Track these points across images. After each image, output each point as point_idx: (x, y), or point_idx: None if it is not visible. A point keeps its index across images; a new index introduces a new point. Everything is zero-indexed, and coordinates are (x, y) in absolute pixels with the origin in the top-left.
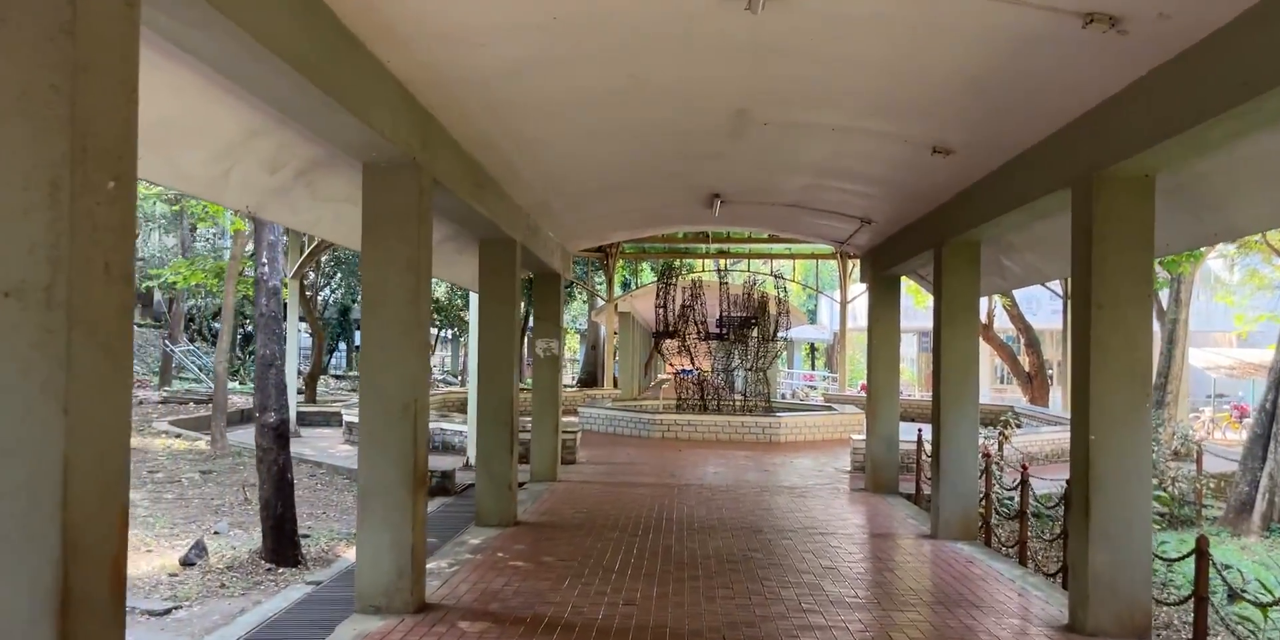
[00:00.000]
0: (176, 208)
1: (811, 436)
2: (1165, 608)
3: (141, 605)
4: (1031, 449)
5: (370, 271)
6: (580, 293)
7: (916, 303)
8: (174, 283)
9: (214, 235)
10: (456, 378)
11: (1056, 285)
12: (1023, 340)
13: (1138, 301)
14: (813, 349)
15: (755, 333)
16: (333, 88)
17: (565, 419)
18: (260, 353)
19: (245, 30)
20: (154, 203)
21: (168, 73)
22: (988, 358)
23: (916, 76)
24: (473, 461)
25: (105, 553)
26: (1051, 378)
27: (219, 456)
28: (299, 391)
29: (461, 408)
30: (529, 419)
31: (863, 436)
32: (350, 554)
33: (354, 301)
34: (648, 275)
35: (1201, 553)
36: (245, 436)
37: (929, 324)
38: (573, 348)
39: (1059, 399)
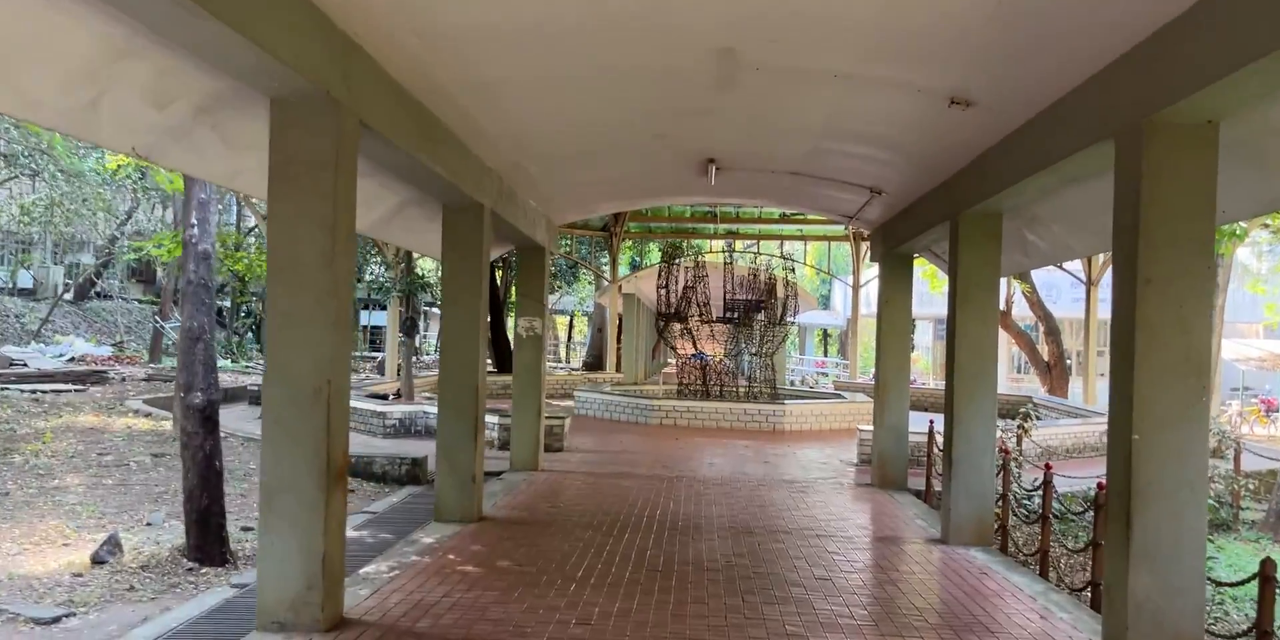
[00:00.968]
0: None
1: (818, 426)
2: None
3: (27, 612)
4: (1051, 442)
5: (276, 229)
6: (586, 274)
7: (932, 287)
8: (159, 256)
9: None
10: None
11: (1079, 270)
12: (1042, 328)
13: (1194, 276)
14: (825, 335)
15: (762, 316)
16: None
17: (563, 403)
18: (185, 325)
19: None
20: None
21: None
22: (1005, 346)
23: (931, 1)
24: None
25: None
26: (1070, 368)
27: (179, 438)
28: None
29: None
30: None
31: (870, 427)
32: None
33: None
34: (656, 256)
35: (1267, 578)
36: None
37: (945, 310)
38: (581, 331)
39: (1079, 390)
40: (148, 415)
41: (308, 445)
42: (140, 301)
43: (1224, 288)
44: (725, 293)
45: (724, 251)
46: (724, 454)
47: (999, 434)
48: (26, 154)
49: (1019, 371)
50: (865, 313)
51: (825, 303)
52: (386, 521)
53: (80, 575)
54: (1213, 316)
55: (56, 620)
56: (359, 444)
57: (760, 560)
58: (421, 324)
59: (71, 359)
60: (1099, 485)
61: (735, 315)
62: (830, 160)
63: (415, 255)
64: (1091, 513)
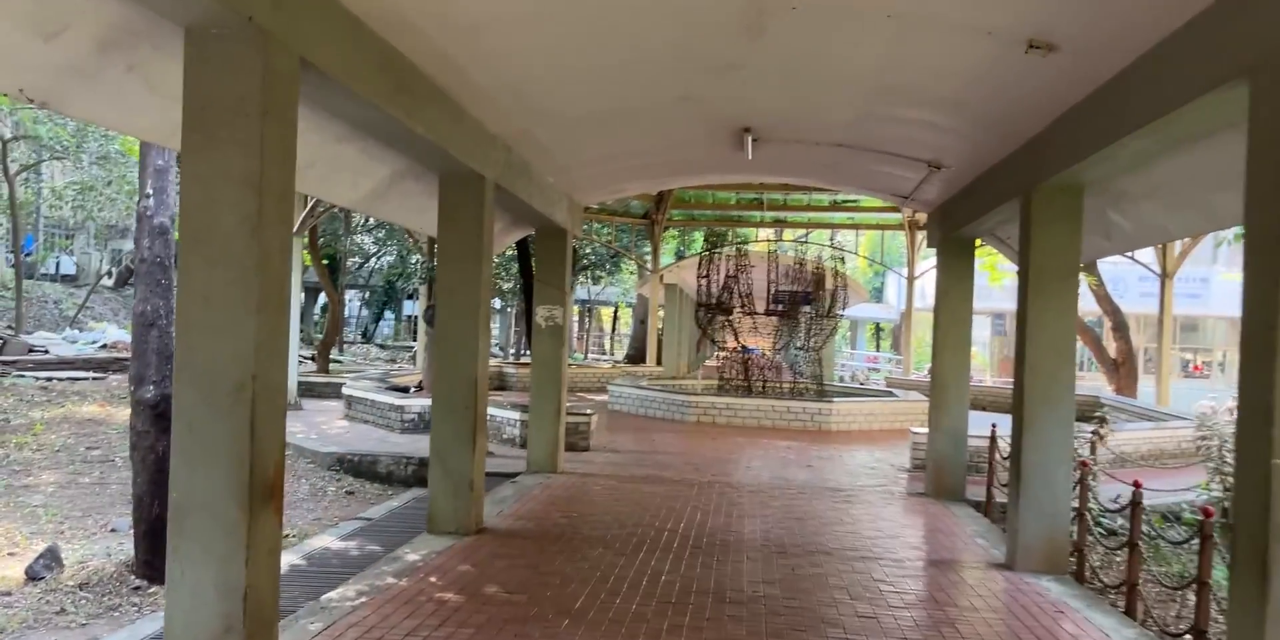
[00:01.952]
0: None
1: (868, 426)
2: None
3: None
4: (1124, 448)
5: (190, 189)
6: (629, 264)
7: (991, 280)
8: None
9: None
10: (504, 352)
11: (1152, 260)
12: (1109, 323)
13: None
14: (878, 329)
15: (808, 308)
16: None
17: (597, 398)
18: (139, 309)
19: None
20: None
21: None
22: None
23: None
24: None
25: None
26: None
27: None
28: (309, 359)
29: (492, 385)
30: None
31: (924, 430)
32: None
33: (399, 274)
34: (702, 245)
35: None
36: None
37: (1003, 304)
38: (627, 323)
39: (1148, 390)
40: None
41: (225, 456)
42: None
43: None
44: (770, 283)
45: (770, 240)
46: (763, 456)
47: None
48: (52, 137)
49: (1081, 369)
50: (920, 306)
51: (878, 296)
52: (380, 530)
53: (9, 594)
54: None
55: None
56: (373, 440)
57: (794, 590)
58: None
59: (104, 346)
60: (1204, 511)
61: (781, 306)
62: (882, 128)
63: None
64: (1198, 542)
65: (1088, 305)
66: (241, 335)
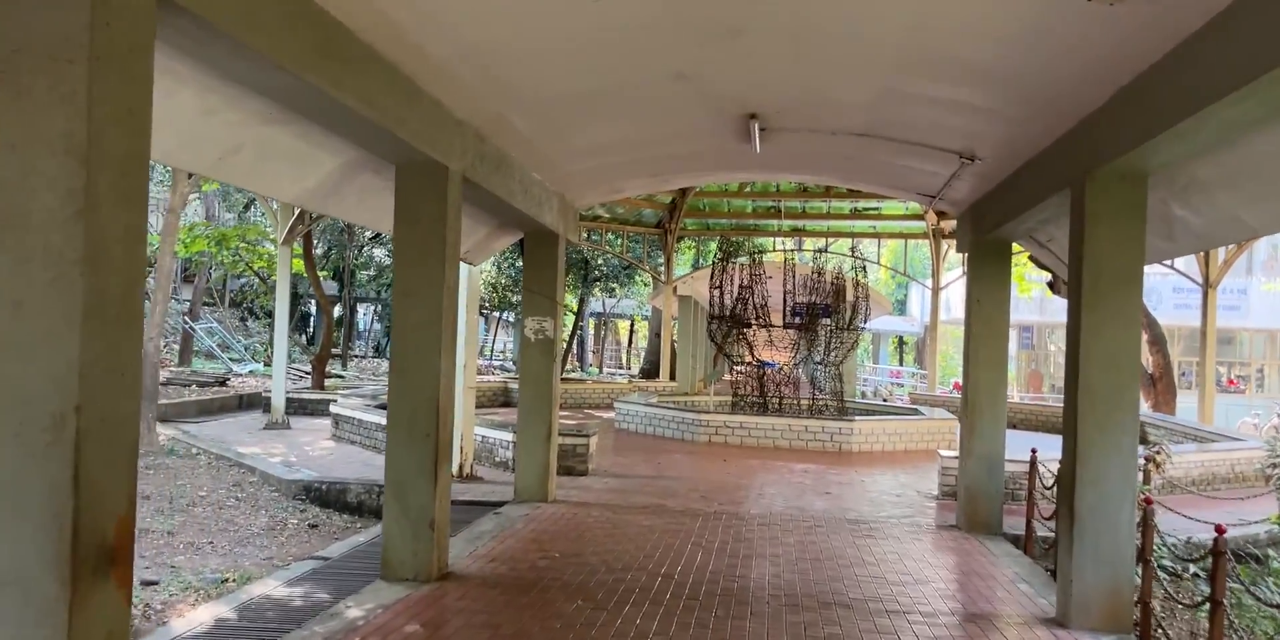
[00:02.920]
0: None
1: (892, 446)
2: None
3: None
4: (1173, 472)
5: None
6: (643, 276)
7: (1021, 290)
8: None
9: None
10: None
11: (1194, 269)
12: (1146, 336)
13: None
14: (901, 342)
15: (829, 320)
16: None
17: (603, 415)
18: None
19: None
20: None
21: None
22: None
23: None
24: (466, 467)
25: None
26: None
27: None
28: (305, 375)
29: (496, 401)
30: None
31: (954, 453)
32: (197, 613)
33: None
34: (715, 254)
35: None
36: (218, 429)
37: (1027, 316)
38: (644, 336)
39: (1188, 406)
40: None
41: (37, 513)
42: (178, 301)
43: None
44: (787, 294)
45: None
46: (778, 481)
47: None
48: None
49: None
50: (945, 319)
51: (901, 308)
52: (334, 573)
53: None
54: None
55: None
56: (357, 463)
57: None
58: (485, 329)
59: None
60: None
61: (799, 319)
62: (906, 111)
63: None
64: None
65: None
66: (59, 354)
